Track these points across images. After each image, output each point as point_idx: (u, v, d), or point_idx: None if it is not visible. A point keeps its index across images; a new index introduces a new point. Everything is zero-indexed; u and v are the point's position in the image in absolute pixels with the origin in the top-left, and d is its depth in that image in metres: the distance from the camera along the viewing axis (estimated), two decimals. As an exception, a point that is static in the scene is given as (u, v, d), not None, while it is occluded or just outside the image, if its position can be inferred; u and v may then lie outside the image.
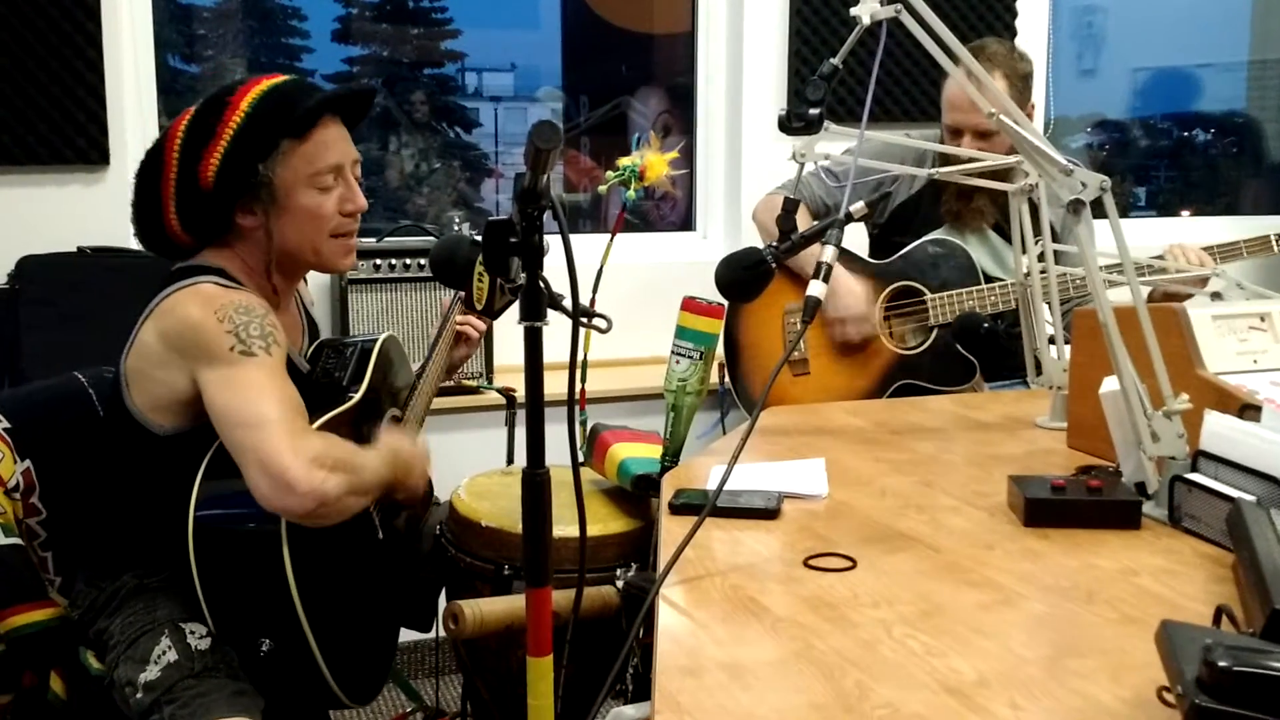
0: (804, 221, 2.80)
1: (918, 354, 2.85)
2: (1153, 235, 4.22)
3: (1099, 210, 1.58)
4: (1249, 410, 1.58)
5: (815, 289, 1.58)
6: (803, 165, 1.92)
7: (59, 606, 1.90)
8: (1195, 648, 0.93)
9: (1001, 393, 2.71)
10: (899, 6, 1.68)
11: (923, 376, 2.84)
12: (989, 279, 2.80)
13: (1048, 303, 2.19)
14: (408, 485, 1.91)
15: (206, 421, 1.71)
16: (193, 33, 3.75)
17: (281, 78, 1.88)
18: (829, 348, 2.91)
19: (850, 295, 2.84)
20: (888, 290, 2.88)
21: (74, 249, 2.96)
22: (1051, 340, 2.19)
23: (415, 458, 1.92)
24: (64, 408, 1.98)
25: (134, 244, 2.89)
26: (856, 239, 3.12)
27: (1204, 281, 2.60)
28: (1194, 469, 1.54)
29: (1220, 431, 1.52)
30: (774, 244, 1.84)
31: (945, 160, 2.39)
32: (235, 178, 1.80)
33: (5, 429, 1.91)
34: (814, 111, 1.72)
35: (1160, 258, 2.68)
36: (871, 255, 3.00)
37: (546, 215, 1.26)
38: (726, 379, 3.09)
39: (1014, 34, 3.78)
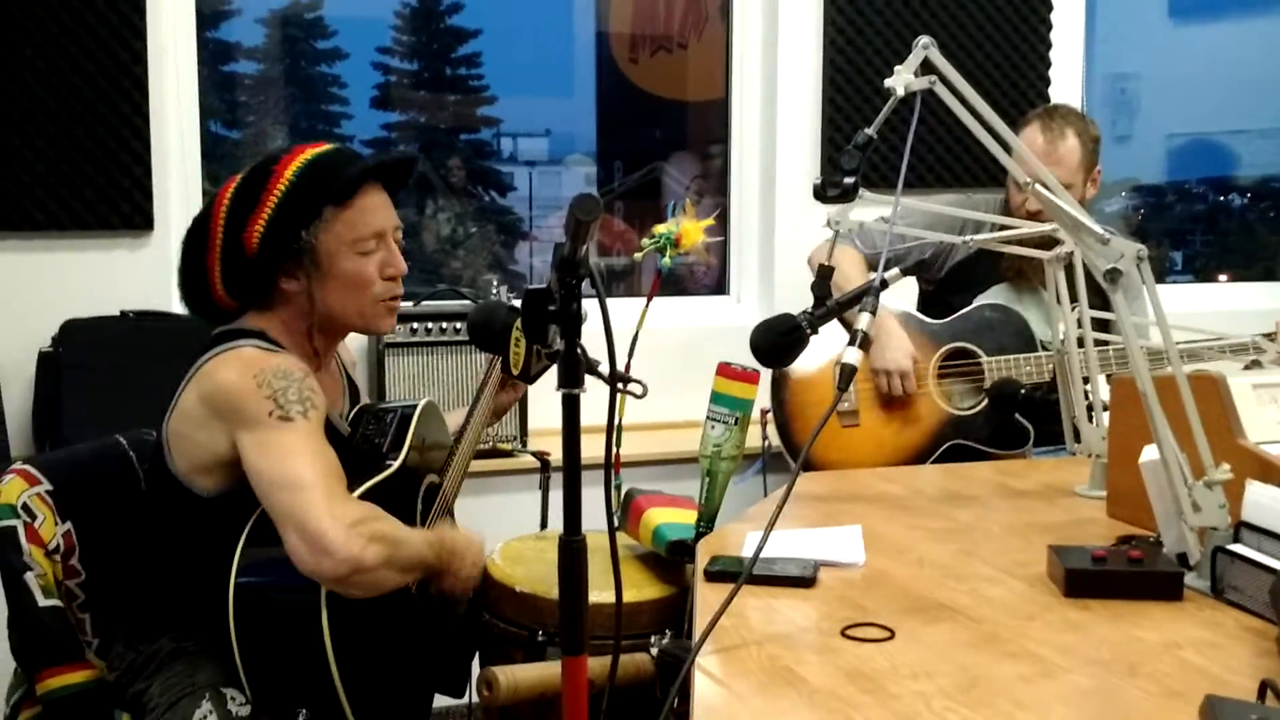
0: (859, 274, 2.80)
1: (971, 415, 2.84)
2: (1190, 302, 4.21)
3: (1141, 276, 1.58)
4: (1291, 481, 1.56)
5: (850, 356, 1.58)
6: (837, 233, 1.93)
7: (96, 669, 1.91)
8: (1242, 725, 0.92)
9: (1040, 461, 2.69)
10: (933, 78, 1.70)
11: (975, 438, 2.82)
12: (1045, 346, 2.80)
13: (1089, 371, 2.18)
14: (455, 573, 1.92)
15: (249, 484, 1.73)
16: (235, 99, 3.83)
17: (325, 146, 1.92)
18: (880, 400, 2.90)
19: (896, 349, 2.83)
20: (943, 350, 2.88)
21: (117, 313, 3.00)
22: (1090, 408, 2.17)
23: (467, 547, 1.93)
24: (105, 470, 2.00)
25: (177, 307, 2.93)
26: (908, 295, 3.13)
27: None
28: (1236, 540, 1.52)
29: (1262, 502, 1.50)
30: (810, 310, 1.85)
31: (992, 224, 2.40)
32: (279, 244, 1.83)
33: (48, 491, 1.92)
34: (849, 180, 1.73)
35: (1271, 335, 2.63)
36: (923, 313, 3.00)
37: (585, 283, 1.27)
38: (769, 438, 3.06)
39: (1047, 101, 3.79)
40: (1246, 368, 1.98)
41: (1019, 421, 2.73)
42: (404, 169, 1.99)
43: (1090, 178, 2.90)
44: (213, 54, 3.62)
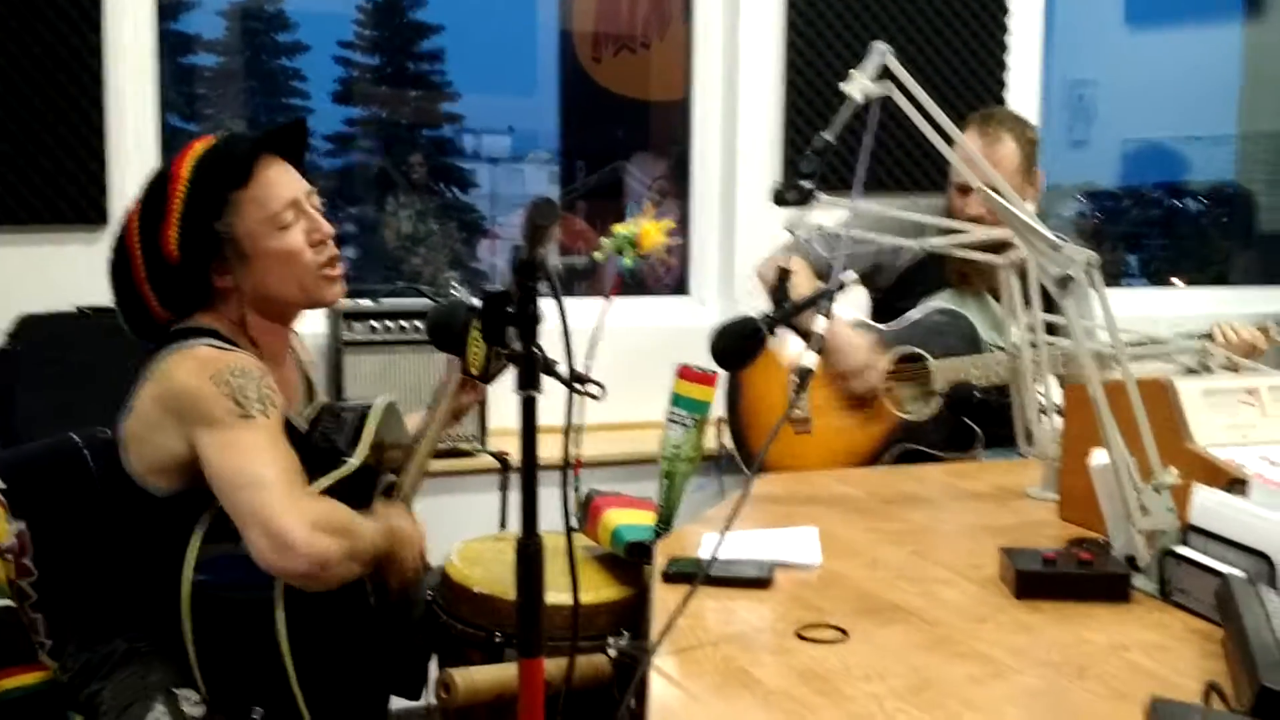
0: (807, 282, 2.82)
1: (921, 419, 2.86)
2: (1145, 306, 4.26)
3: (1091, 283, 1.60)
4: (1237, 485, 1.59)
5: (808, 360, 1.60)
6: (796, 237, 1.94)
7: (48, 670, 1.89)
8: (1184, 727, 0.94)
9: (993, 463, 2.72)
10: (890, 84, 1.72)
11: (925, 441, 2.85)
12: (991, 348, 2.82)
13: (1040, 375, 2.21)
14: (400, 562, 1.92)
15: (204, 484, 1.72)
16: (194, 92, 3.80)
17: (212, 138, 1.91)
18: (833, 407, 2.92)
19: (852, 349, 2.85)
20: (891, 355, 2.90)
21: (72, 308, 2.97)
22: (1043, 411, 2.20)
23: (411, 536, 1.93)
24: (59, 469, 1.98)
25: (132, 304, 2.90)
26: (857, 302, 3.15)
27: (1249, 351, 2.61)
28: (1184, 543, 1.55)
29: (1210, 506, 1.53)
30: (768, 313, 1.86)
31: (942, 229, 2.42)
32: (198, 242, 1.82)
33: (0, 489, 1.91)
34: (807, 184, 1.75)
35: (1208, 335, 2.68)
36: (874, 319, 3.02)
37: (543, 285, 1.28)
38: (726, 440, 3.08)
39: (1004, 106, 3.83)
40: (1192, 370, 2.00)
41: (967, 424, 2.76)
42: (295, 134, 1.97)
43: (1029, 180, 2.93)
44: (171, 46, 3.59)
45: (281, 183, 1.88)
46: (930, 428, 2.84)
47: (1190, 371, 1.89)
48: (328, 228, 1.92)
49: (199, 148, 1.88)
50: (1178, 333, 2.65)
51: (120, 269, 1.89)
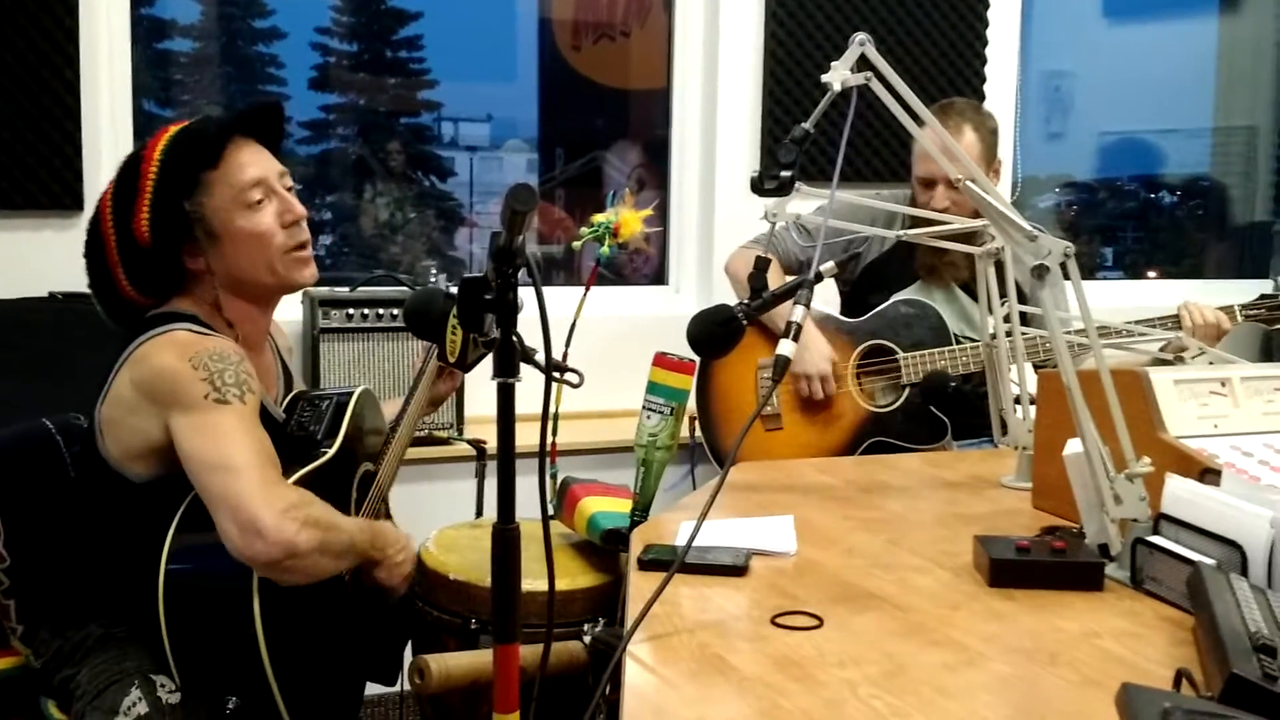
0: (776, 278, 2.83)
1: (890, 412, 2.88)
2: (1120, 297, 4.29)
3: (1067, 273, 1.61)
4: (1209, 474, 1.61)
5: (785, 348, 1.59)
6: (774, 225, 1.95)
7: (20, 655, 1.88)
8: (1155, 711, 0.94)
9: (968, 452, 2.73)
10: (869, 75, 1.72)
11: (894, 434, 2.86)
12: (958, 339, 2.84)
13: (1015, 364, 2.22)
14: (389, 560, 1.91)
15: (181, 470, 1.71)
16: (169, 77, 3.77)
17: (186, 122, 1.91)
18: (801, 403, 2.93)
19: (813, 351, 2.87)
20: (860, 348, 2.91)
21: (45, 294, 2.95)
22: (1017, 401, 2.22)
23: (397, 536, 1.94)
24: (30, 454, 1.97)
25: (106, 289, 2.88)
26: (828, 296, 3.16)
27: (1217, 336, 2.64)
28: (1156, 532, 1.56)
29: (1181, 495, 1.54)
30: (745, 301, 1.87)
31: (915, 220, 2.43)
32: (168, 223, 1.82)
33: (-29, 475, 1.90)
34: (785, 174, 1.75)
35: (1175, 316, 2.72)
36: (843, 313, 3.03)
37: (521, 272, 1.28)
38: (698, 432, 3.10)
39: (982, 98, 3.85)
40: (1165, 361, 2.03)
41: (937, 416, 2.77)
42: (270, 117, 1.97)
43: (991, 169, 2.94)
44: (147, 31, 3.56)
45: (252, 163, 1.88)
46: (900, 419, 2.86)
47: (1159, 362, 1.91)
48: (300, 209, 1.92)
49: (173, 130, 1.88)
50: (1143, 320, 2.68)
51: (94, 252, 1.88)
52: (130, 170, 1.85)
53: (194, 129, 1.88)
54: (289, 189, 1.93)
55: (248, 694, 1.71)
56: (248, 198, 1.86)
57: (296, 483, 1.77)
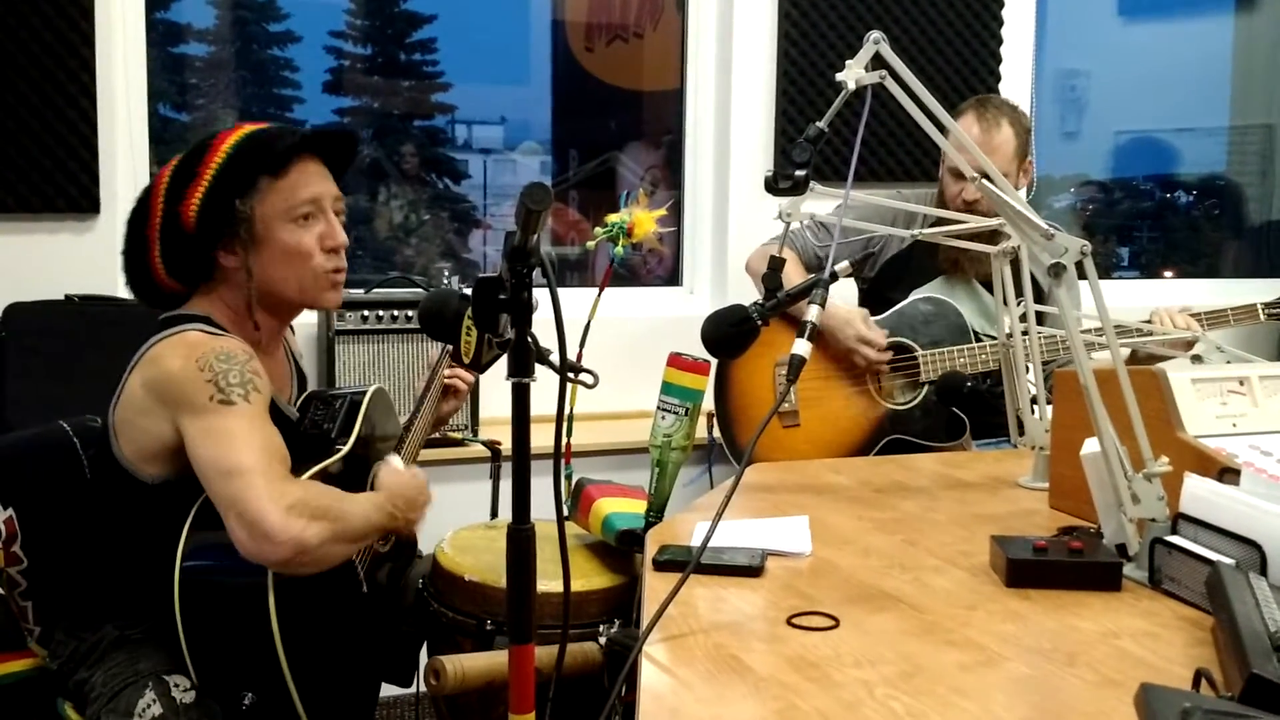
0: (796, 274, 2.82)
1: (908, 409, 2.87)
2: (1136, 297, 4.27)
3: (1084, 272, 1.60)
4: (1228, 474, 1.60)
5: (800, 348, 1.59)
6: (788, 225, 1.94)
7: (37, 657, 1.89)
8: (1174, 712, 0.94)
9: (984, 452, 2.72)
10: (883, 73, 1.71)
11: (913, 432, 2.85)
12: (979, 337, 2.83)
13: (1031, 364, 2.21)
14: (410, 522, 1.93)
15: (193, 470, 1.72)
16: (184, 82, 3.78)
17: (265, 124, 1.92)
18: (819, 400, 2.92)
19: (849, 325, 2.86)
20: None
21: (62, 297, 2.96)
22: (1034, 400, 2.21)
23: (414, 498, 1.93)
24: (48, 456, 1.98)
25: (123, 293, 2.88)
26: (846, 294, 3.15)
27: (1189, 345, 2.63)
28: (1174, 531, 1.55)
29: (1200, 495, 1.53)
30: (760, 301, 1.86)
31: (935, 218, 2.43)
32: (215, 216, 1.83)
33: (-11, 477, 1.90)
34: (800, 173, 1.74)
35: (1148, 322, 2.72)
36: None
37: (536, 272, 1.27)
38: (715, 431, 3.09)
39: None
40: (1194, 361, 2.02)
41: (956, 414, 2.76)
42: (344, 144, 1.99)
43: (1022, 168, 2.94)
44: (162, 35, 3.57)
45: (312, 181, 1.90)
46: (918, 417, 2.85)
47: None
48: (343, 237, 1.94)
49: (249, 129, 1.90)
50: (1117, 326, 2.67)
51: (137, 220, 1.90)
52: (195, 156, 1.86)
53: (268, 134, 1.89)
54: (339, 214, 1.94)
55: (263, 690, 1.71)
56: (297, 212, 1.87)
57: (310, 478, 1.78)
